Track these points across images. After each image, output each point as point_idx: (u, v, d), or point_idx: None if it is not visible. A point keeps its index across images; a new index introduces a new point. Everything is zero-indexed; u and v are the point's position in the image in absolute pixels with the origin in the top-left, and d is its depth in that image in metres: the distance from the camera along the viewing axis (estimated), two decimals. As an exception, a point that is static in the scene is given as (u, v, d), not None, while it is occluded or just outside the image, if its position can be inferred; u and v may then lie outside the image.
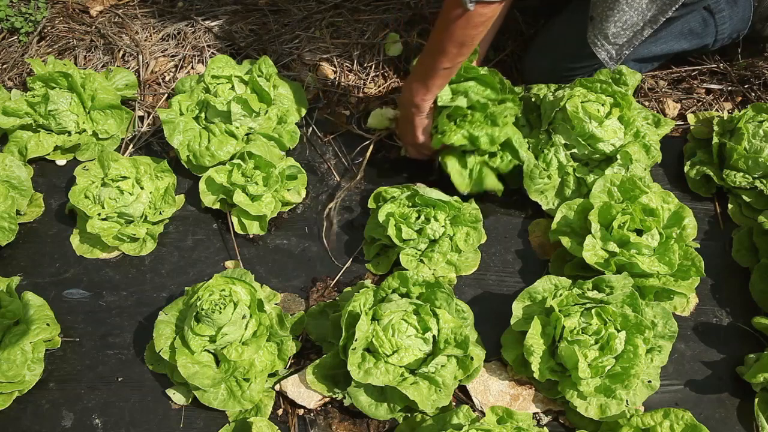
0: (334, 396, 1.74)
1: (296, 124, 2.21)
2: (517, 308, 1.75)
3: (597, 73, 1.99)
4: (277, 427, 1.72)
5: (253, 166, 1.99)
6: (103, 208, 1.97)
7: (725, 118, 2.09)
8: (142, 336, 1.90)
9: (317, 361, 1.75)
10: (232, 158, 2.05)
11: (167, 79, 2.45)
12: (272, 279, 1.99)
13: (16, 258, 2.05)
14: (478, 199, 1.97)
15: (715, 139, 2.03)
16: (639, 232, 1.80)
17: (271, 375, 1.79)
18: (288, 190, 2.06)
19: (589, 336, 1.63)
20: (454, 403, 1.75)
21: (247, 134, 2.12)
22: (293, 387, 1.76)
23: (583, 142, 1.90)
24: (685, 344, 1.85)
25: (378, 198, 1.99)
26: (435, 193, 1.88)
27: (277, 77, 2.21)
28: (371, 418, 1.71)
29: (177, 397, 1.79)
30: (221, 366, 1.73)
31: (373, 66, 2.40)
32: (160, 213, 2.02)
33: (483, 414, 1.70)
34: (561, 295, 1.70)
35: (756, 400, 1.71)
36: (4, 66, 2.51)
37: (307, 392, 1.75)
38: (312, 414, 1.77)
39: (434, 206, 1.89)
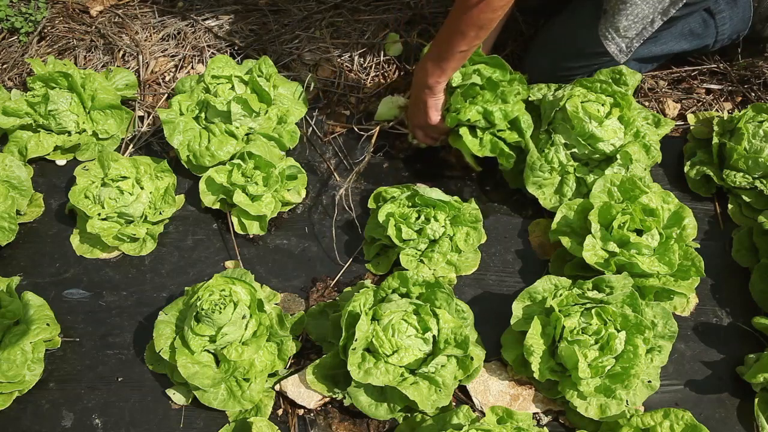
0: (334, 396, 1.74)
1: (296, 124, 2.21)
2: (517, 308, 1.75)
3: (597, 73, 1.99)
4: (277, 427, 1.72)
5: (253, 166, 1.99)
6: (103, 208, 1.97)
7: (725, 118, 2.09)
8: (142, 336, 1.90)
9: (317, 361, 1.75)
10: (232, 158, 2.05)
11: (167, 79, 2.45)
12: (272, 279, 1.99)
13: (16, 258, 2.05)
14: (478, 200, 1.97)
15: (715, 139, 2.03)
16: (639, 232, 1.80)
17: (271, 375, 1.79)
18: (288, 190, 2.06)
19: (589, 336, 1.63)
20: (454, 403, 1.75)
21: (247, 134, 2.12)
22: (293, 387, 1.76)
23: (583, 142, 1.90)
24: (685, 344, 1.85)
25: (378, 198, 1.99)
26: (435, 193, 1.88)
27: (277, 77, 2.21)
28: (371, 418, 1.71)
29: (177, 397, 1.79)
30: (221, 366, 1.73)
31: (373, 66, 2.40)
32: (160, 213, 2.02)
33: (483, 414, 1.70)
34: (561, 295, 1.70)
35: (756, 400, 1.71)
36: (4, 66, 2.51)
37: (307, 392, 1.75)
38: (312, 414, 1.77)
39: (434, 206, 1.90)
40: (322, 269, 2.01)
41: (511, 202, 2.10)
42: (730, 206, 2.04)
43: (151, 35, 2.54)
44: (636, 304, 1.67)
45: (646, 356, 1.63)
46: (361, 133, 2.13)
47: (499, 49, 2.37)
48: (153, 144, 2.27)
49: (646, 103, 2.26)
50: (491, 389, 1.76)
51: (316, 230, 2.08)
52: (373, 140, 2.11)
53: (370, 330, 1.65)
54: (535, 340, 1.67)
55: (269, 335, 1.76)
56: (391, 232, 1.86)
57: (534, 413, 1.75)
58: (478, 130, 1.95)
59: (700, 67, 2.32)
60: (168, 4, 2.64)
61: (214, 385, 1.69)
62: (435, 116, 1.95)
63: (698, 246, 1.83)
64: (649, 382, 1.66)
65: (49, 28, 2.59)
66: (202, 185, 2.01)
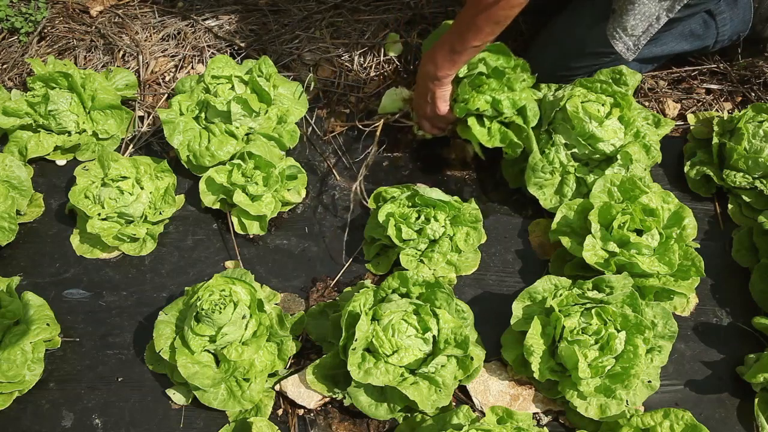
0: (334, 396, 1.74)
1: (296, 123, 2.21)
2: (517, 308, 1.75)
3: (597, 73, 1.99)
4: (277, 427, 1.72)
5: (253, 166, 1.99)
6: (103, 208, 1.97)
7: (725, 118, 2.09)
8: (142, 336, 1.90)
9: (317, 361, 1.75)
10: (232, 158, 2.05)
11: (167, 79, 2.45)
12: (272, 279, 1.99)
13: (16, 258, 2.05)
14: (478, 199, 1.97)
15: (715, 139, 2.03)
16: (639, 232, 1.80)
17: (271, 375, 1.79)
18: (288, 190, 2.06)
19: (589, 336, 1.63)
20: (454, 403, 1.75)
21: (247, 134, 2.12)
22: (293, 387, 1.76)
23: (583, 142, 1.90)
24: (685, 344, 1.85)
25: (378, 198, 1.99)
26: (435, 193, 1.88)
27: (277, 77, 2.21)
28: (371, 418, 1.71)
29: (177, 397, 1.79)
30: (221, 366, 1.73)
31: (373, 66, 2.40)
32: (160, 213, 2.02)
33: (483, 414, 1.70)
34: (561, 295, 1.70)
35: (756, 400, 1.71)
36: (4, 66, 2.51)
37: (307, 392, 1.75)
38: (312, 414, 1.77)
39: (434, 206, 1.90)
40: (322, 269, 2.01)
41: (511, 202, 2.10)
42: (730, 206, 2.04)
43: (151, 35, 2.54)
44: (636, 304, 1.67)
45: (646, 356, 1.63)
46: (364, 128, 2.12)
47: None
48: (153, 144, 2.27)
49: (646, 103, 2.26)
50: (491, 389, 1.76)
51: (316, 230, 2.08)
52: (378, 132, 2.10)
53: (370, 330, 1.65)
54: (535, 340, 1.67)
55: (269, 335, 1.76)
56: (391, 232, 1.86)
57: (534, 413, 1.75)
58: (485, 120, 1.94)
59: (700, 67, 2.32)
60: (168, 4, 2.64)
61: (214, 385, 1.69)
62: (443, 107, 1.94)
63: (698, 246, 1.83)
64: (649, 382, 1.66)
65: (49, 28, 2.59)
66: (202, 185, 2.01)
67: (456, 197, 1.93)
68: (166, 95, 2.39)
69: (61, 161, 2.24)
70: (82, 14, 2.64)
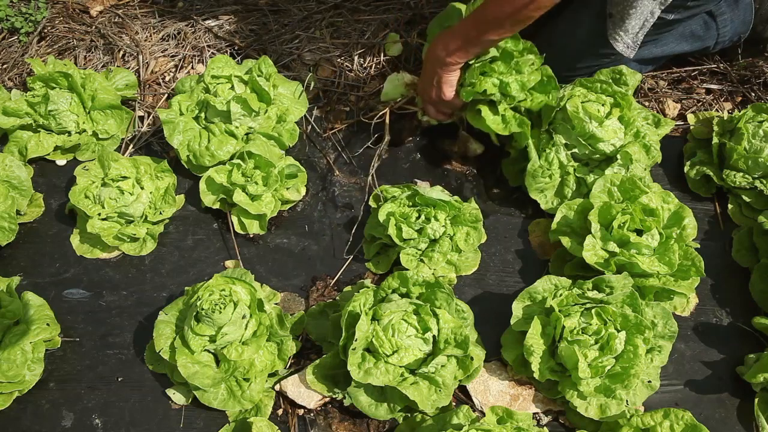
0: (334, 396, 1.74)
1: (296, 123, 2.21)
2: (517, 308, 1.75)
3: (597, 73, 1.99)
4: (277, 427, 1.72)
5: (253, 166, 1.99)
6: (104, 208, 1.97)
7: (725, 118, 2.09)
8: (142, 336, 1.90)
9: (317, 361, 1.75)
10: (231, 158, 2.05)
11: (167, 79, 2.45)
12: (272, 278, 1.99)
13: (16, 258, 2.05)
14: (478, 198, 1.97)
15: (715, 139, 2.03)
16: (639, 232, 1.80)
17: (271, 375, 1.79)
18: (287, 188, 2.06)
19: (589, 336, 1.63)
20: (454, 403, 1.75)
21: (246, 134, 2.12)
22: (293, 387, 1.76)
23: (583, 142, 1.90)
24: (685, 344, 1.85)
25: (378, 197, 1.99)
26: (435, 193, 1.88)
27: (276, 77, 2.21)
28: (371, 418, 1.71)
29: (177, 397, 1.79)
30: (221, 366, 1.73)
31: (373, 66, 2.40)
32: (160, 213, 2.02)
33: (483, 414, 1.70)
34: (561, 295, 1.70)
35: (756, 400, 1.71)
36: (4, 66, 2.51)
37: (307, 392, 1.75)
38: (312, 414, 1.77)
39: (434, 206, 1.90)
40: (322, 268, 2.01)
41: (512, 201, 2.10)
42: (730, 206, 2.04)
43: (151, 35, 2.54)
44: (636, 304, 1.67)
45: (646, 356, 1.63)
46: (369, 121, 2.10)
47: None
48: (153, 144, 2.27)
49: (646, 103, 2.26)
50: (491, 389, 1.76)
51: (317, 228, 2.08)
52: (386, 120, 2.08)
53: (370, 330, 1.65)
54: (535, 340, 1.67)
55: (269, 335, 1.76)
56: (392, 231, 1.86)
57: (534, 413, 1.75)
58: (498, 106, 1.91)
59: (700, 67, 2.32)
60: (168, 4, 2.64)
61: (214, 384, 1.69)
62: (449, 92, 1.91)
63: (698, 246, 1.83)
64: (649, 382, 1.66)
65: (49, 28, 2.59)
66: (202, 185, 2.01)
67: (456, 197, 1.94)
68: (166, 95, 2.39)
69: (61, 161, 2.24)
70: (82, 14, 2.64)
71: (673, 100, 2.27)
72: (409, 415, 1.71)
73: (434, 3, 2.51)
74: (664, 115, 2.23)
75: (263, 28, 2.53)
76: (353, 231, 2.05)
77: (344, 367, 1.63)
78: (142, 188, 2.02)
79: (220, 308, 1.67)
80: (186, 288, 1.85)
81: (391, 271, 1.95)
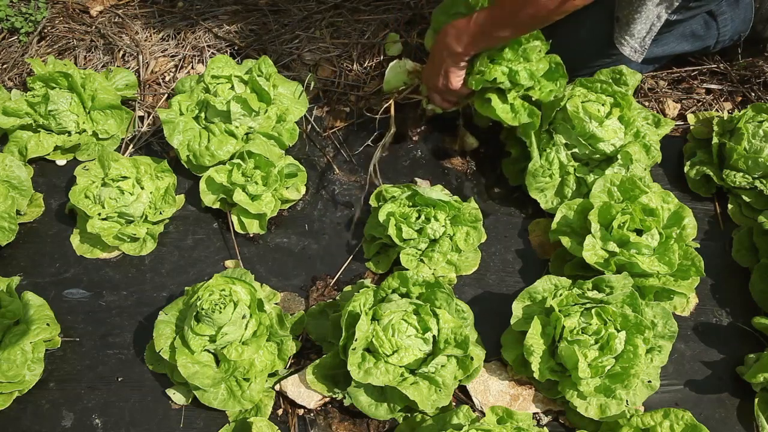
0: (334, 396, 1.74)
1: (296, 122, 2.21)
2: (517, 308, 1.75)
3: (597, 73, 1.99)
4: (277, 427, 1.72)
5: (253, 166, 2.00)
6: (104, 208, 1.97)
7: (725, 118, 2.09)
8: (142, 336, 1.90)
9: (317, 361, 1.75)
10: (231, 158, 2.05)
11: (167, 79, 2.45)
12: (272, 278, 1.99)
13: (16, 258, 2.05)
14: (477, 197, 1.97)
15: (715, 139, 2.03)
16: (639, 232, 1.80)
17: (271, 375, 1.79)
18: (287, 187, 2.06)
19: (589, 336, 1.63)
20: (454, 403, 1.75)
21: (246, 134, 2.12)
22: (293, 387, 1.76)
23: (583, 142, 1.90)
24: (685, 344, 1.85)
25: (378, 197, 1.99)
26: (435, 193, 1.88)
27: (276, 77, 2.21)
28: (371, 418, 1.71)
29: (177, 397, 1.79)
30: (221, 366, 1.73)
31: (373, 66, 2.40)
32: (161, 213, 2.02)
33: (483, 414, 1.70)
34: (561, 295, 1.70)
35: (756, 400, 1.71)
36: (4, 66, 2.51)
37: (307, 392, 1.75)
38: (312, 414, 1.77)
39: (434, 206, 1.90)
40: (322, 267, 2.01)
41: (512, 201, 2.10)
42: (730, 206, 2.04)
43: (151, 35, 2.54)
44: (636, 304, 1.67)
45: (646, 356, 1.63)
46: (374, 116, 2.08)
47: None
48: (153, 144, 2.27)
49: (646, 103, 2.26)
50: (491, 389, 1.76)
51: (316, 228, 2.08)
52: (392, 111, 2.05)
53: (370, 330, 1.65)
54: (535, 340, 1.67)
55: (269, 335, 1.76)
56: (392, 231, 1.86)
57: (534, 413, 1.75)
58: (507, 94, 1.87)
59: (700, 67, 2.32)
60: (168, 4, 2.64)
61: (214, 384, 1.69)
62: (457, 82, 1.88)
63: (698, 246, 1.83)
64: (649, 382, 1.66)
65: (49, 28, 2.59)
66: (202, 185, 2.01)
67: (456, 197, 1.94)
68: (166, 95, 2.39)
69: (61, 161, 2.24)
70: (82, 14, 2.64)
71: (673, 100, 2.27)
72: (409, 415, 1.71)
73: (434, 3, 2.50)
74: (664, 115, 2.23)
75: (263, 28, 2.53)
76: (353, 230, 2.05)
77: (344, 367, 1.63)
78: (142, 188, 2.02)
79: (220, 308, 1.67)
80: (186, 288, 1.85)
81: (391, 270, 1.95)
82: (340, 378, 1.73)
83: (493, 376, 1.79)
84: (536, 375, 1.65)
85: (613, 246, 1.77)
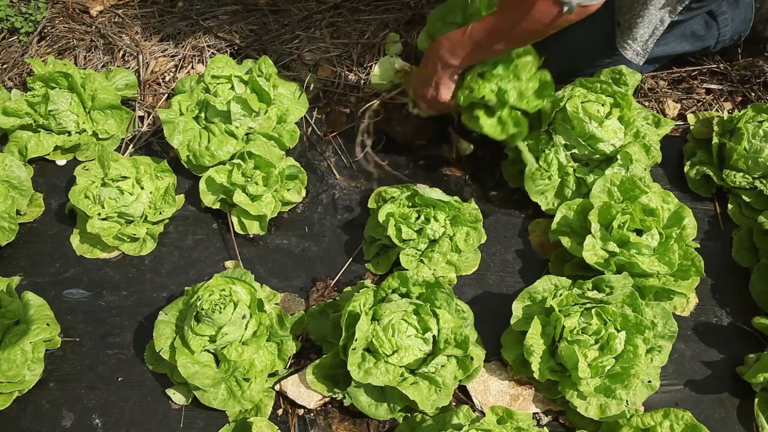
0: (334, 396, 1.74)
1: (296, 123, 2.21)
2: (517, 308, 1.75)
3: (597, 73, 1.99)
4: (277, 427, 1.72)
5: (253, 166, 1.99)
6: (103, 208, 1.97)
7: (725, 118, 2.09)
8: (142, 336, 1.90)
9: (317, 361, 1.75)
10: (232, 158, 2.05)
11: (167, 79, 2.45)
12: (272, 279, 1.99)
13: (16, 258, 2.05)
14: (477, 199, 1.97)
15: (715, 139, 2.03)
16: (639, 232, 1.80)
17: (271, 375, 1.79)
18: (288, 189, 2.06)
19: (589, 336, 1.63)
20: (454, 403, 1.75)
21: (246, 134, 2.12)
22: (293, 387, 1.76)
23: (583, 143, 1.90)
24: (685, 344, 1.85)
25: (378, 198, 1.99)
26: (435, 194, 1.88)
27: (276, 77, 2.21)
28: (371, 418, 1.71)
29: (177, 397, 1.79)
30: (221, 366, 1.73)
31: (373, 66, 2.40)
32: (160, 213, 2.02)
33: (483, 414, 1.70)
34: (561, 295, 1.70)
35: (756, 400, 1.71)
36: (4, 66, 2.51)
37: (307, 392, 1.75)
38: (312, 414, 1.77)
39: (434, 206, 1.90)
40: (322, 269, 2.01)
41: (511, 202, 2.10)
42: (730, 206, 2.04)
43: (151, 35, 2.54)
44: (636, 304, 1.67)
45: (646, 356, 1.63)
46: (359, 113, 2.09)
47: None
48: (153, 144, 2.27)
49: (646, 103, 2.26)
50: (491, 389, 1.76)
51: (317, 230, 2.08)
52: (376, 103, 2.08)
53: (370, 330, 1.65)
54: (535, 340, 1.67)
55: (269, 335, 1.76)
56: (391, 232, 1.86)
57: (534, 413, 1.75)
58: (493, 108, 1.86)
59: (700, 67, 2.32)
60: (168, 4, 2.64)
61: (214, 384, 1.69)
62: (447, 94, 1.87)
63: (698, 246, 1.83)
64: (649, 382, 1.66)
65: (49, 28, 2.59)
66: (202, 185, 2.01)
67: (456, 197, 1.93)
68: (166, 95, 2.39)
69: (61, 161, 2.24)
70: (82, 14, 2.64)
71: (673, 100, 2.27)
72: (409, 415, 1.71)
73: (434, 3, 2.51)
74: (664, 115, 2.23)
75: (263, 28, 2.53)
76: (353, 232, 2.05)
77: (344, 367, 1.63)
78: (142, 188, 2.02)
79: (220, 308, 1.67)
80: (186, 288, 1.85)
81: (391, 271, 1.95)
82: (340, 378, 1.73)
83: (493, 376, 1.79)
84: (536, 375, 1.65)
85: (613, 246, 1.77)
